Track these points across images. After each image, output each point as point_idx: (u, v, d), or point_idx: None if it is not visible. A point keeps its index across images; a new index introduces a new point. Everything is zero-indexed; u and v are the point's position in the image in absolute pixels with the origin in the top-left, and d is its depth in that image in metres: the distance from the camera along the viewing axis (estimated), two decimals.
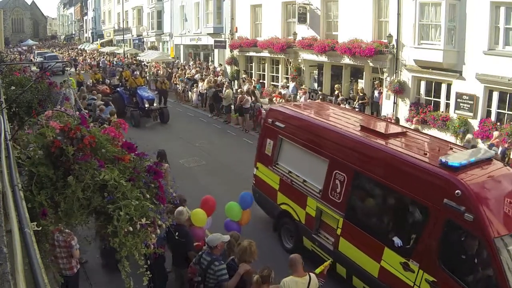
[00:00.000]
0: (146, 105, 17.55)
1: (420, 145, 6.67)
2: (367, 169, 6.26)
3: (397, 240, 5.63)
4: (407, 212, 5.82)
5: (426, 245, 5.26)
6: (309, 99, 17.50)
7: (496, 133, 12.02)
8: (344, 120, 7.80)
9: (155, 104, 18.14)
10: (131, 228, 2.44)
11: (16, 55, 40.47)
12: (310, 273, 5.13)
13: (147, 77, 25.71)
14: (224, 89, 18.48)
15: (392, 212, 6.11)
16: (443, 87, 14.32)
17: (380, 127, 7.55)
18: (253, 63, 24.52)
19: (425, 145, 6.76)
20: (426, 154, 5.93)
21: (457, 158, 5.52)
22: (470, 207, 4.82)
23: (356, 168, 6.40)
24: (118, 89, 19.34)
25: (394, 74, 15.55)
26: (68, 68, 22.16)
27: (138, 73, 21.48)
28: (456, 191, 4.95)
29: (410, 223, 5.82)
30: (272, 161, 8.30)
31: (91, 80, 23.36)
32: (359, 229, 6.23)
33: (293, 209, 7.66)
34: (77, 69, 35.85)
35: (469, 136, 11.70)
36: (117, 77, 23.09)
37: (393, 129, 7.57)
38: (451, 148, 6.36)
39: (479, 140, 12.56)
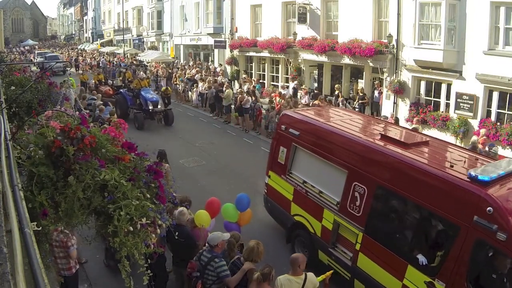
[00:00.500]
0: (150, 107, 17.10)
1: (445, 155, 6.33)
2: (390, 181, 5.87)
3: (421, 258, 5.30)
4: (433, 228, 5.52)
5: (454, 264, 4.91)
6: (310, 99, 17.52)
7: (483, 131, 12.13)
8: (363, 128, 7.48)
9: (159, 106, 17.65)
10: (131, 228, 2.44)
11: (16, 55, 40.46)
12: (308, 273, 5.13)
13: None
14: (224, 89, 18.49)
15: (416, 228, 5.74)
16: (443, 87, 14.32)
17: (401, 135, 7.14)
18: (253, 63, 24.53)
19: (450, 155, 6.35)
20: (452, 166, 5.53)
21: (486, 171, 5.14)
22: (503, 226, 4.48)
23: (378, 180, 6.00)
24: (121, 90, 19.00)
25: (394, 74, 15.56)
26: (69, 68, 22.15)
27: (144, 75, 20.96)
28: (488, 208, 4.59)
29: (436, 241, 5.48)
30: (286, 170, 7.89)
31: (93, 81, 23.14)
32: (380, 245, 5.84)
33: (308, 221, 7.28)
34: (79, 68, 35.89)
35: (474, 138, 11.64)
36: (120, 78, 22.91)
37: (415, 138, 7.08)
38: (477, 159, 6.05)
39: (472, 138, 12.54)
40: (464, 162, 5.84)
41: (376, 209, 6.12)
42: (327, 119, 7.95)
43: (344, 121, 7.80)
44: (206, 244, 5.55)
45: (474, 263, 4.81)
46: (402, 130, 8.04)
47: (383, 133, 6.82)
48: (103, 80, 23.49)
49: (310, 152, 7.41)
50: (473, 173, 5.00)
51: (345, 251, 6.50)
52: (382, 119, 13.47)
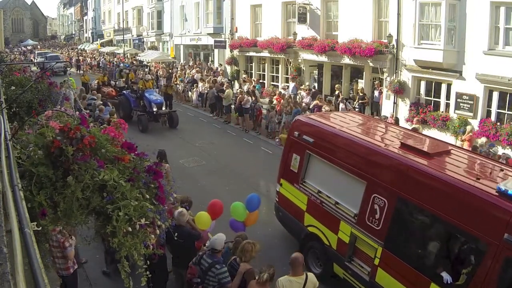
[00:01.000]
0: (154, 109, 16.66)
1: (469, 166, 6.00)
2: (412, 194, 5.54)
3: (446, 276, 5.00)
4: (458, 245, 5.23)
5: (481, 283, 4.63)
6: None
7: (469, 127, 12.19)
8: (382, 135, 7.17)
9: (163, 108, 17.20)
10: (130, 229, 2.44)
11: (17, 55, 40.43)
12: (308, 273, 5.15)
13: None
14: (224, 89, 18.49)
15: (441, 244, 5.42)
16: (443, 87, 14.32)
17: (422, 144, 6.74)
18: (253, 63, 24.53)
19: (474, 166, 6.05)
20: (479, 178, 5.19)
21: None
22: None
23: (399, 192, 5.68)
24: (124, 91, 18.58)
25: (394, 74, 15.56)
26: (69, 68, 22.00)
27: (149, 76, 20.24)
28: None
29: (462, 258, 5.18)
30: (299, 178, 7.54)
31: (96, 81, 22.50)
32: (401, 261, 5.54)
33: (323, 233, 6.96)
34: (81, 69, 35.74)
35: (483, 139, 11.64)
36: (123, 79, 22.39)
37: (436, 146, 6.67)
38: (502, 170, 5.72)
39: (479, 140, 12.56)
40: (490, 173, 5.56)
41: (397, 223, 5.78)
42: (343, 125, 7.47)
43: (362, 127, 7.47)
44: (206, 245, 5.56)
45: (503, 283, 4.56)
46: (422, 138, 7.61)
47: (403, 141, 6.48)
48: (106, 81, 22.82)
49: (326, 161, 7.04)
50: (502, 187, 4.69)
51: (362, 265, 6.20)
52: (382, 118, 13.50)
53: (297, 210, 7.57)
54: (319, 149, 7.18)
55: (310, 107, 15.90)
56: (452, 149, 6.49)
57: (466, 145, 11.68)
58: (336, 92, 17.28)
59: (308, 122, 7.78)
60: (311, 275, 5.15)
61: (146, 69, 24.50)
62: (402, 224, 5.84)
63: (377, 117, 14.68)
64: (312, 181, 7.42)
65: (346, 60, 17.08)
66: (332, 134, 7.07)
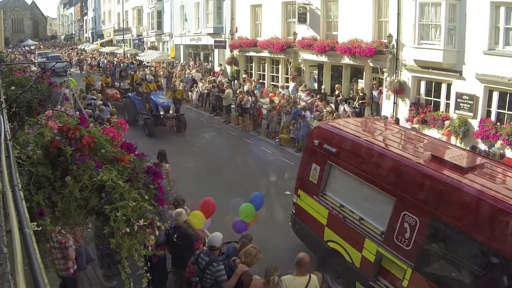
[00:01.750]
0: (161, 113, 16.04)
1: (506, 182, 5.63)
2: (447, 213, 5.10)
3: None
4: (498, 270, 4.85)
5: None
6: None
7: (447, 122, 12.21)
8: (410, 146, 6.75)
9: (171, 112, 16.53)
10: (128, 230, 2.43)
11: (17, 55, 40.40)
12: (312, 274, 5.14)
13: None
14: (224, 89, 18.51)
15: (479, 268, 5.00)
16: (443, 87, 14.32)
17: (454, 156, 6.18)
18: (253, 63, 24.53)
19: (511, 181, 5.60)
20: None
21: None
22: None
23: (432, 211, 5.22)
24: (130, 94, 18.07)
25: (394, 74, 15.56)
26: (69, 68, 21.86)
27: (151, 77, 19.49)
28: None
29: (502, 284, 4.82)
30: (319, 190, 7.06)
31: (100, 83, 21.86)
32: (433, 284, 5.13)
33: (345, 249, 6.51)
34: (84, 69, 35.63)
35: (499, 143, 11.61)
36: (129, 80, 21.71)
37: (470, 159, 6.20)
38: None
39: (479, 140, 12.58)
40: None
41: (430, 243, 5.34)
42: (369, 134, 7.00)
43: (388, 137, 7.06)
44: (205, 245, 5.57)
45: None
46: (453, 148, 7.08)
47: (434, 153, 6.03)
48: (110, 83, 22.16)
49: (349, 173, 6.55)
50: None
51: (389, 287, 5.77)
52: (382, 118, 13.48)
53: (316, 224, 7.11)
54: (342, 160, 6.69)
55: (308, 102, 15.95)
56: (485, 162, 6.13)
57: (444, 140, 11.74)
58: (336, 92, 17.29)
59: (330, 130, 7.20)
60: (314, 277, 5.09)
61: (146, 70, 24.34)
62: (436, 245, 5.38)
63: (377, 117, 14.67)
64: (333, 193, 6.94)
65: (346, 60, 17.08)
66: (357, 144, 6.57)
